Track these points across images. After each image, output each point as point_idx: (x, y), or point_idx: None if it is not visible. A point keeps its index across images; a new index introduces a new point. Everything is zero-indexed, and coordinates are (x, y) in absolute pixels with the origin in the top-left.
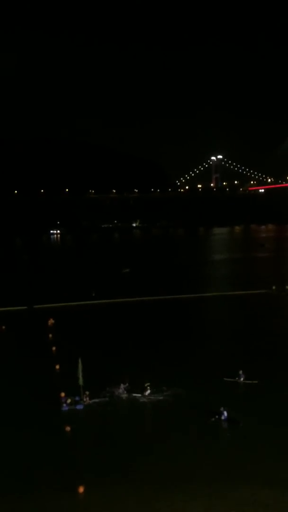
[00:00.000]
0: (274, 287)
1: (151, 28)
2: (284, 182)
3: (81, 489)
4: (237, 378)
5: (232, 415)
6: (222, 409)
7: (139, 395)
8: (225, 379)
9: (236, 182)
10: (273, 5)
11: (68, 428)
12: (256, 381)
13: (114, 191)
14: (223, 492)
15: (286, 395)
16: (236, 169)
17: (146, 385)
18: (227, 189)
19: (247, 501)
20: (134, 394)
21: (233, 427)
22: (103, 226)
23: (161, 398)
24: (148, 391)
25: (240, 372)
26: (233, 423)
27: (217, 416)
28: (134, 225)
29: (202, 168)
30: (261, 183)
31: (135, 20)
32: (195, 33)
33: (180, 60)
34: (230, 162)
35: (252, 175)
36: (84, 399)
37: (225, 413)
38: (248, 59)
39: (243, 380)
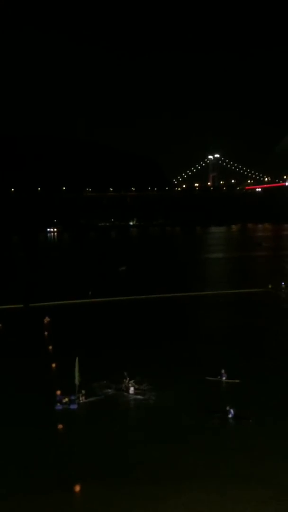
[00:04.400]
0: (271, 286)
1: (151, 29)
2: (281, 181)
3: (77, 489)
4: (219, 377)
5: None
6: (228, 407)
7: (131, 393)
8: (207, 378)
9: (233, 181)
10: (272, 7)
11: (63, 427)
12: (238, 380)
13: (111, 189)
14: (222, 492)
15: (267, 396)
16: (233, 168)
17: (130, 383)
18: (224, 188)
19: (245, 500)
20: (125, 393)
21: (240, 424)
22: (100, 224)
23: (156, 397)
24: (132, 389)
25: (222, 371)
26: (242, 420)
27: (217, 415)
28: (131, 223)
29: (199, 167)
30: (258, 182)
31: (137, 21)
32: (193, 34)
33: (178, 60)
34: (227, 161)
35: (249, 174)
36: (80, 398)
37: (232, 411)
38: (246, 60)
39: (225, 379)
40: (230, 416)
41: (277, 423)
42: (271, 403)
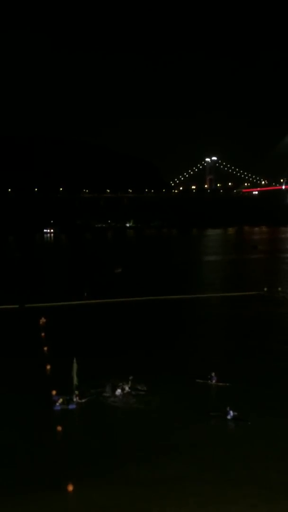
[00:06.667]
0: (266, 289)
1: (151, 31)
2: (277, 184)
3: (71, 489)
4: (209, 380)
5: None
6: (228, 408)
7: (125, 394)
8: (197, 380)
9: (230, 183)
10: (269, 11)
11: (59, 428)
12: (227, 384)
13: (108, 190)
14: (218, 493)
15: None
16: (230, 170)
17: (125, 384)
18: (221, 191)
19: (241, 502)
20: (119, 394)
21: (239, 426)
22: (96, 225)
23: (152, 398)
24: (119, 391)
25: (213, 374)
26: (240, 421)
27: (216, 415)
28: (127, 225)
29: (196, 170)
30: (255, 185)
31: (136, 23)
32: (193, 36)
33: (176, 62)
34: (224, 163)
35: (246, 177)
36: (75, 399)
37: (231, 412)
38: (244, 62)
39: (215, 382)
40: (228, 417)
41: (270, 425)
42: (262, 405)
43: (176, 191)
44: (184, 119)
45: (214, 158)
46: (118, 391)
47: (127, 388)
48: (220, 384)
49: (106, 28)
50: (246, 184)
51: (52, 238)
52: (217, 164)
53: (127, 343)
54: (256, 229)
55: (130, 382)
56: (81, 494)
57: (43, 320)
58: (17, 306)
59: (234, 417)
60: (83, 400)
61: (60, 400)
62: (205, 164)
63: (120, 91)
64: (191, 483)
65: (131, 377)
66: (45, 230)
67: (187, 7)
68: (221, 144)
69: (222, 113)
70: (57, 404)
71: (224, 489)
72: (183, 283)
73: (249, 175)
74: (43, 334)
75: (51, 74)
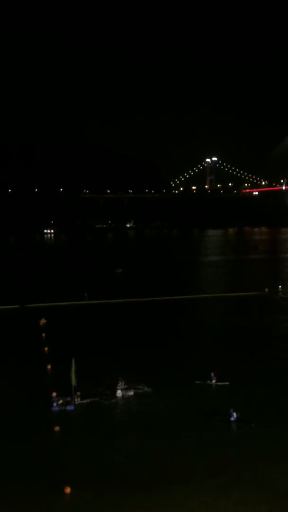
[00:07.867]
0: (266, 290)
1: (151, 32)
2: (278, 185)
3: (68, 490)
4: (208, 381)
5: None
6: (231, 410)
7: (125, 395)
8: (196, 382)
9: (230, 184)
10: (272, 10)
11: (58, 429)
12: (227, 383)
13: (109, 191)
14: (216, 494)
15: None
16: (230, 171)
17: (125, 386)
18: (221, 191)
19: (239, 502)
20: (119, 395)
21: (242, 428)
22: (97, 226)
23: (153, 400)
24: (119, 392)
25: (212, 374)
26: (244, 423)
27: (217, 417)
28: (128, 225)
29: (196, 170)
30: (255, 185)
31: (136, 24)
32: (193, 37)
33: (177, 63)
34: (224, 164)
35: (247, 178)
36: (76, 400)
37: (235, 414)
38: (244, 64)
39: (215, 382)
40: (232, 419)
41: (272, 426)
42: (263, 405)
43: (176, 191)
44: (185, 120)
45: (215, 158)
46: (118, 392)
47: (126, 389)
48: (220, 384)
49: (107, 28)
50: (246, 184)
51: (52, 238)
52: (217, 165)
53: (127, 344)
54: (256, 229)
55: (130, 383)
56: (79, 496)
57: (43, 320)
58: (17, 306)
59: (237, 419)
60: (83, 401)
61: (60, 401)
62: (205, 164)
63: (121, 91)
64: (192, 484)
65: (122, 382)
66: (45, 231)
67: (188, 5)
68: (221, 144)
69: (223, 114)
70: (56, 405)
71: (225, 490)
72: (183, 283)
73: (250, 175)
74: (43, 334)
75: (52, 74)
